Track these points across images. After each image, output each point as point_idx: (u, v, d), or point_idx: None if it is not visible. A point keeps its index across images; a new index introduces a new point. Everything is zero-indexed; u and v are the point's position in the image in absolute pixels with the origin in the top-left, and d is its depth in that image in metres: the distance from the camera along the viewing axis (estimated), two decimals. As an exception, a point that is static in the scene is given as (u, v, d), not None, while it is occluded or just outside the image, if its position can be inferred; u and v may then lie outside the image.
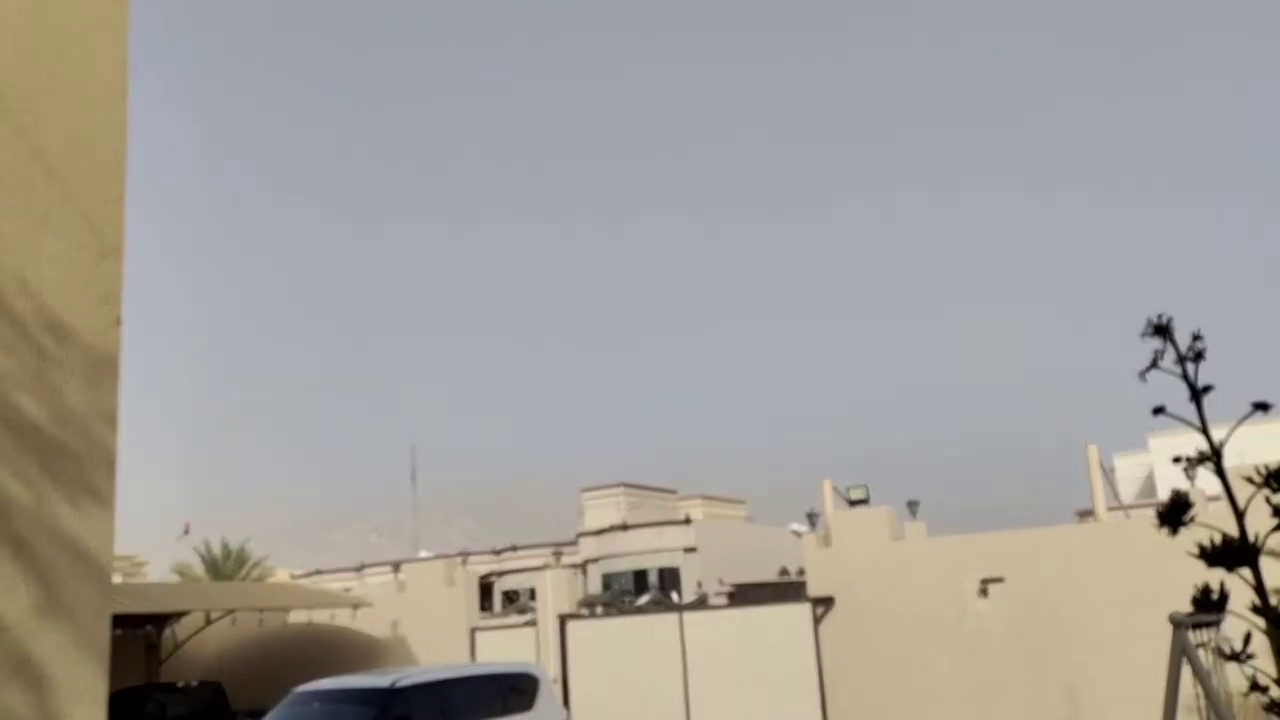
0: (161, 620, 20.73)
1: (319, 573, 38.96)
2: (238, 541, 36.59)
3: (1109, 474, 17.48)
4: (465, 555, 35.37)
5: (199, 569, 36.25)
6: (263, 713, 12.80)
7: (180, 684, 19.04)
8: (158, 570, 34.31)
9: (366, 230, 72.52)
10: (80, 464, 3.11)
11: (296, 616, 21.91)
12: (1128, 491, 30.69)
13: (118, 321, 3.38)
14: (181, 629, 21.30)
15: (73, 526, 3.02)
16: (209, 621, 21.13)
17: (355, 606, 20.52)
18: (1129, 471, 33.50)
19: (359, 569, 39.49)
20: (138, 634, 20.80)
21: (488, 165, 72.23)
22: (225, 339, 71.07)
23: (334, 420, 72.69)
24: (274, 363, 71.62)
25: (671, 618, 17.32)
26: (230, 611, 21.37)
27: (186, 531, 34.53)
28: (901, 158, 68.24)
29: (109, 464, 3.21)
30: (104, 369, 3.29)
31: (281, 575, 36.36)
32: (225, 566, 35.63)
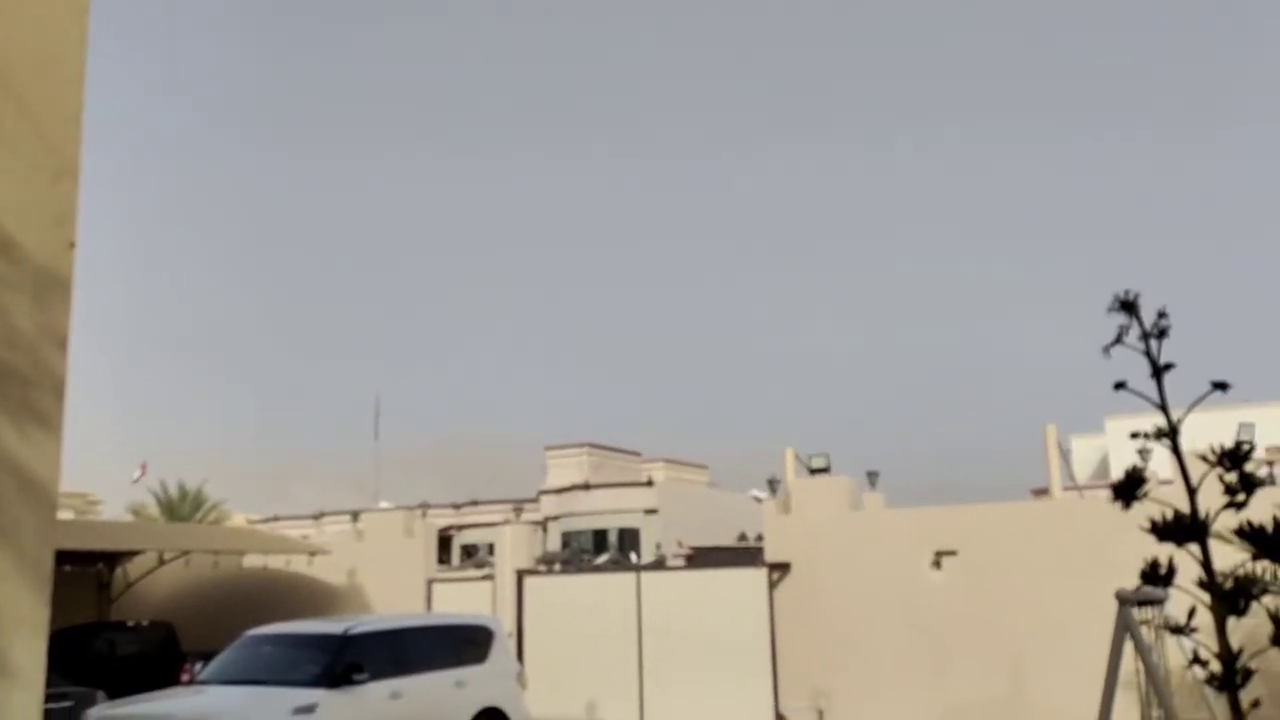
0: (114, 558, 20.59)
1: (277, 519, 38.82)
2: (195, 484, 36.37)
3: (1065, 454, 17.72)
4: (425, 507, 35.34)
5: (155, 510, 36.01)
6: (214, 654, 12.77)
7: (131, 623, 18.94)
8: (113, 510, 34.02)
9: (335, 169, 71.43)
10: (27, 387, 3.03)
11: (252, 561, 21.84)
12: (1083, 473, 31.19)
13: (72, 245, 3.29)
14: (134, 568, 21.16)
15: (17, 450, 2.95)
16: (162, 562, 21.01)
17: (312, 553, 20.47)
18: (1084, 454, 34.05)
19: (317, 517, 39.39)
20: (89, 571, 20.65)
21: (470, 96, 71.25)
22: (194, 284, 70.03)
23: (300, 370, 72.08)
24: (240, 308, 70.65)
25: (629, 577, 17.42)
26: (185, 553, 21.26)
27: (143, 473, 34.22)
28: (881, 113, 68.09)
29: (57, 389, 3.14)
30: (55, 292, 3.21)
31: (238, 520, 36.18)
32: (181, 509, 35.43)
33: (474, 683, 12.70)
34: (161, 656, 18.17)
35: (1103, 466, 33.52)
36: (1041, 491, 19.35)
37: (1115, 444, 31.89)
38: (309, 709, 10.54)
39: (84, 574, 20.48)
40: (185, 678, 15.84)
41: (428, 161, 72.36)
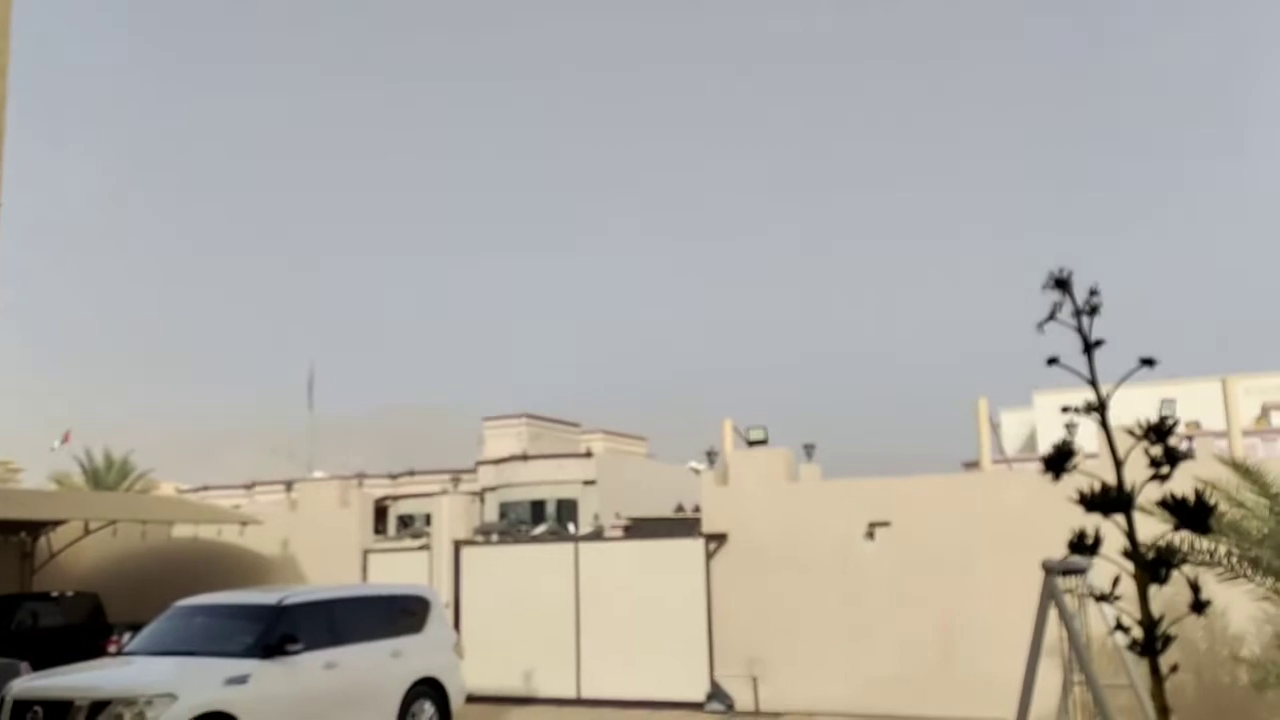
0: (37, 528, 20.06)
1: (207, 489, 38.15)
2: (121, 453, 35.52)
3: (995, 428, 18.13)
4: (361, 477, 35.00)
5: (80, 479, 35.13)
6: (142, 626, 12.54)
7: (54, 594, 18.50)
8: (34, 478, 33.12)
9: (269, 135, 69.73)
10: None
11: (181, 531, 21.44)
12: (1012, 446, 31.97)
13: (-6, 202, 3.16)
14: (58, 538, 20.64)
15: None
16: (88, 532, 20.52)
17: (244, 523, 20.17)
18: (1013, 428, 34.89)
19: (249, 487, 38.78)
20: (10, 541, 20.10)
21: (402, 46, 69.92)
22: (122, 250, 67.99)
23: (232, 334, 70.56)
24: (169, 270, 68.82)
25: (567, 547, 17.47)
26: (111, 522, 20.78)
27: (66, 440, 33.33)
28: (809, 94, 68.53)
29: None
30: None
31: (167, 489, 35.47)
32: (107, 478, 34.61)
33: (410, 653, 12.65)
34: (87, 628, 17.79)
35: (1031, 440, 34.40)
36: (973, 464, 19.77)
37: (1043, 418, 32.73)
38: (241, 680, 10.41)
39: (5, 544, 19.93)
40: (112, 649, 15.53)
41: (363, 128, 70.99)
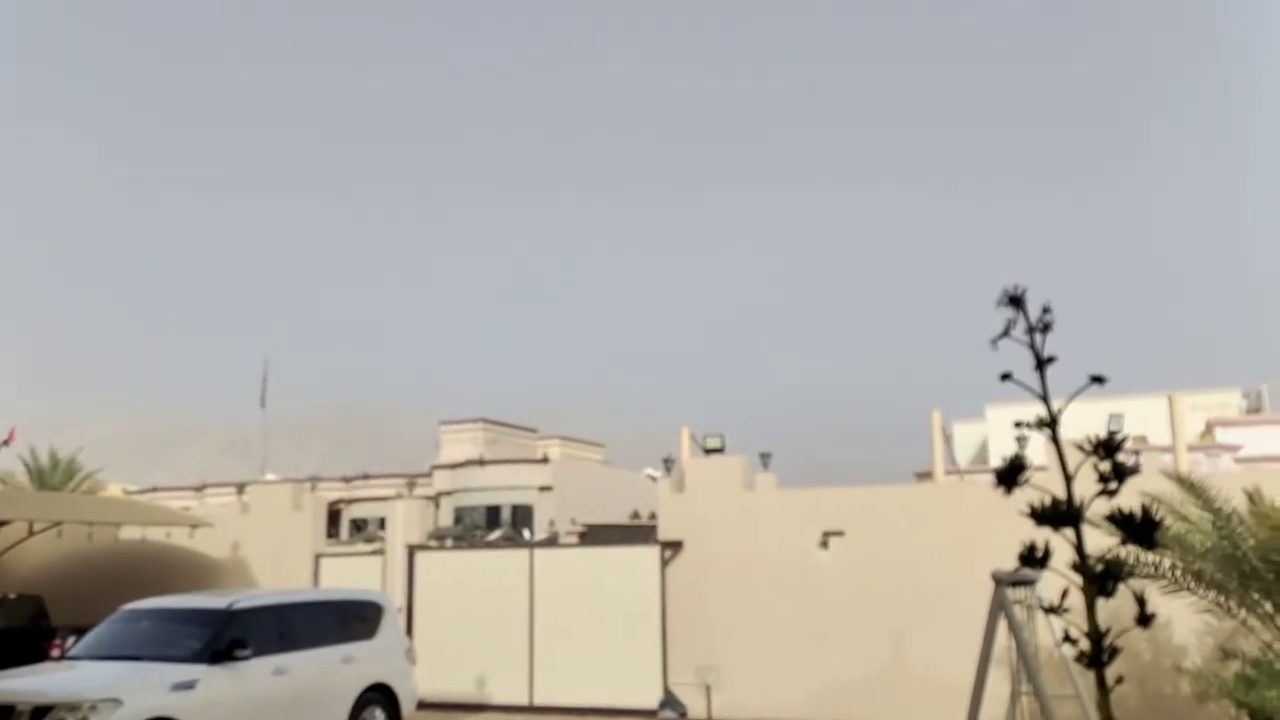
0: (-22, 529, 19.56)
1: (156, 490, 37.52)
2: (68, 452, 34.79)
3: (949, 439, 18.37)
4: (314, 480, 34.63)
5: (24, 479, 34.36)
6: (87, 630, 12.29)
7: (-3, 596, 18.06)
8: (-24, 478, 32.32)
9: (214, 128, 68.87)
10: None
11: (130, 534, 21.06)
12: (964, 457, 32.38)
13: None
14: (0, 539, 20.15)
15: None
16: (32, 533, 20.06)
17: (193, 526, 19.85)
18: (966, 439, 35.36)
19: (200, 488, 38.18)
20: (-49, 542, 19.59)
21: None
22: (65, 231, 66.67)
23: (183, 330, 69.46)
24: (117, 260, 67.65)
25: (522, 554, 17.41)
26: (56, 524, 20.35)
27: (9, 439, 32.55)
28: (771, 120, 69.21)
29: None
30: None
31: (114, 490, 34.79)
32: (53, 478, 33.86)
33: (362, 659, 12.53)
34: (30, 631, 17.38)
35: (983, 451, 34.88)
36: (926, 475, 19.99)
37: (996, 430, 33.22)
38: (188, 685, 10.24)
39: (-56, 545, 19.43)
40: (55, 653, 15.19)
41: (321, 123, 70.37)
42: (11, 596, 18.19)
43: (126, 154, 67.55)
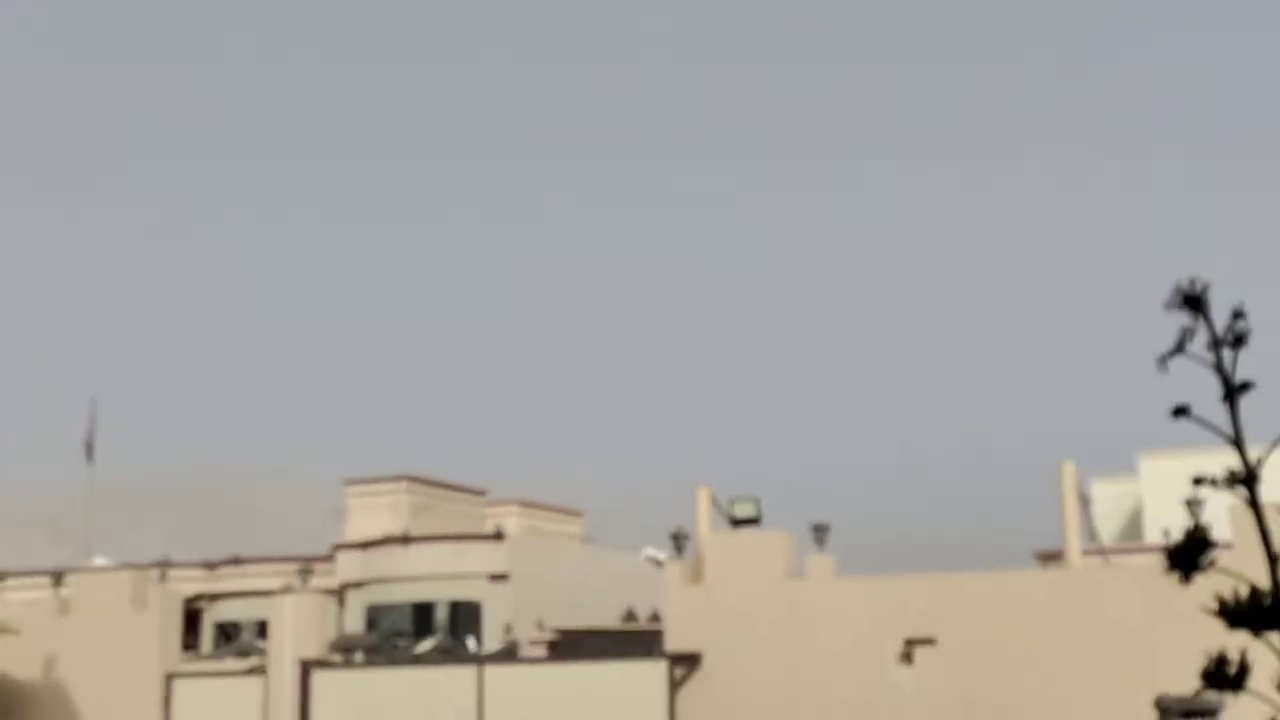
0: None
1: (-67, 581, 37.35)
2: None
3: (1086, 504, 18.34)
4: (164, 567, 34.44)
5: None
6: None
7: None
8: None
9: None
10: None
11: (-104, 644, 20.94)
12: (1108, 530, 32.31)
13: None
14: None
15: None
16: None
17: (-10, 633, 19.76)
18: (1109, 504, 35.20)
19: (-2, 579, 38.03)
20: None
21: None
22: None
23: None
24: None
25: (467, 673, 17.40)
26: None
27: None
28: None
29: None
30: None
31: (-126, 582, 34.71)
32: None
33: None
34: None
35: (1134, 521, 34.75)
36: (1053, 555, 19.91)
37: (1154, 490, 33.03)
38: None
39: None
40: None
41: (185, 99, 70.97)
42: None
43: None
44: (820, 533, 16.87)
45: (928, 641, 15.08)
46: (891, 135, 70.84)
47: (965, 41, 72.02)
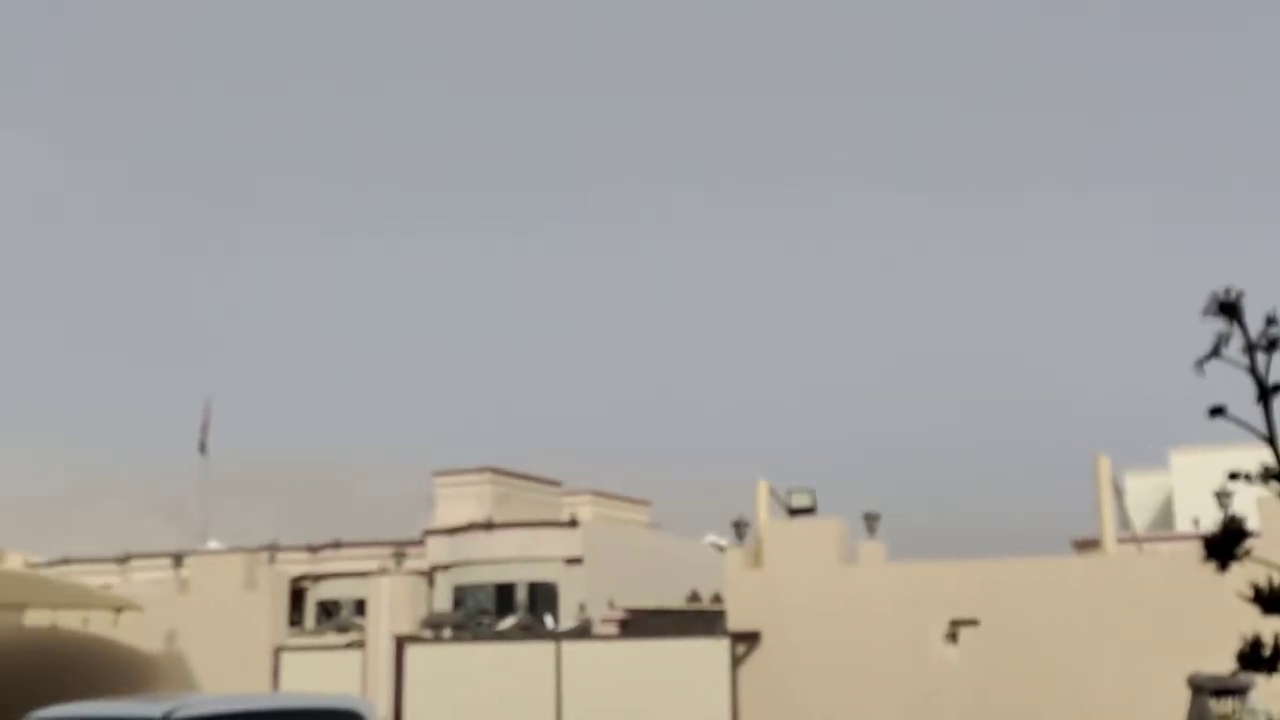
0: None
1: (67, 561, 38.05)
2: (-45, 513, 35.46)
3: (1120, 496, 18.12)
4: (272, 550, 34.89)
5: (-102, 547, 35.07)
6: (-17, 744, 12.48)
7: None
8: None
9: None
10: None
11: (36, 617, 21.37)
12: (1140, 519, 31.86)
13: None
14: None
15: None
16: (-89, 618, 20.48)
17: (118, 610, 20.12)
18: (1142, 495, 34.74)
19: (123, 560, 38.68)
20: None
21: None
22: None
23: (94, 357, 70.62)
24: (11, 270, 69.06)
25: (545, 648, 17.43)
26: (-57, 606, 20.73)
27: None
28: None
29: None
30: None
31: (14, 561, 35.39)
32: (-64, 546, 34.51)
33: (338, 786, 12.56)
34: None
35: (1166, 511, 34.27)
36: (1089, 544, 19.71)
37: (1185, 483, 32.58)
38: (114, 819, 10.34)
39: None
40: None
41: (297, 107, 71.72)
42: (-117, 701, 18.54)
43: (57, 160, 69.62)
44: (871, 521, 16.81)
45: (971, 623, 15.00)
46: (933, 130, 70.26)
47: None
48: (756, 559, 16.52)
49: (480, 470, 38.31)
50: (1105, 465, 15.78)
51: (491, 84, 73.12)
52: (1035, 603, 14.88)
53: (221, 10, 72.46)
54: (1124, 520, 18.69)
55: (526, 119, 72.34)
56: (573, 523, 36.11)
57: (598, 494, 41.80)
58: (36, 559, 37.11)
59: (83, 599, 21.14)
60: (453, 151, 72.53)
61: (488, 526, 35.64)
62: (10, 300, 69.83)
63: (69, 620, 20.93)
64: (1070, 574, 15.21)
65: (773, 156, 71.45)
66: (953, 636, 15.13)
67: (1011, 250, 69.06)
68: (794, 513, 16.99)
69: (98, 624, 20.64)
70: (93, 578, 32.63)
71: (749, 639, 16.11)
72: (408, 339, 73.14)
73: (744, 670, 16.00)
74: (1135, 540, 20.88)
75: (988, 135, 69.32)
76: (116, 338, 72.10)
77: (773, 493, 17.48)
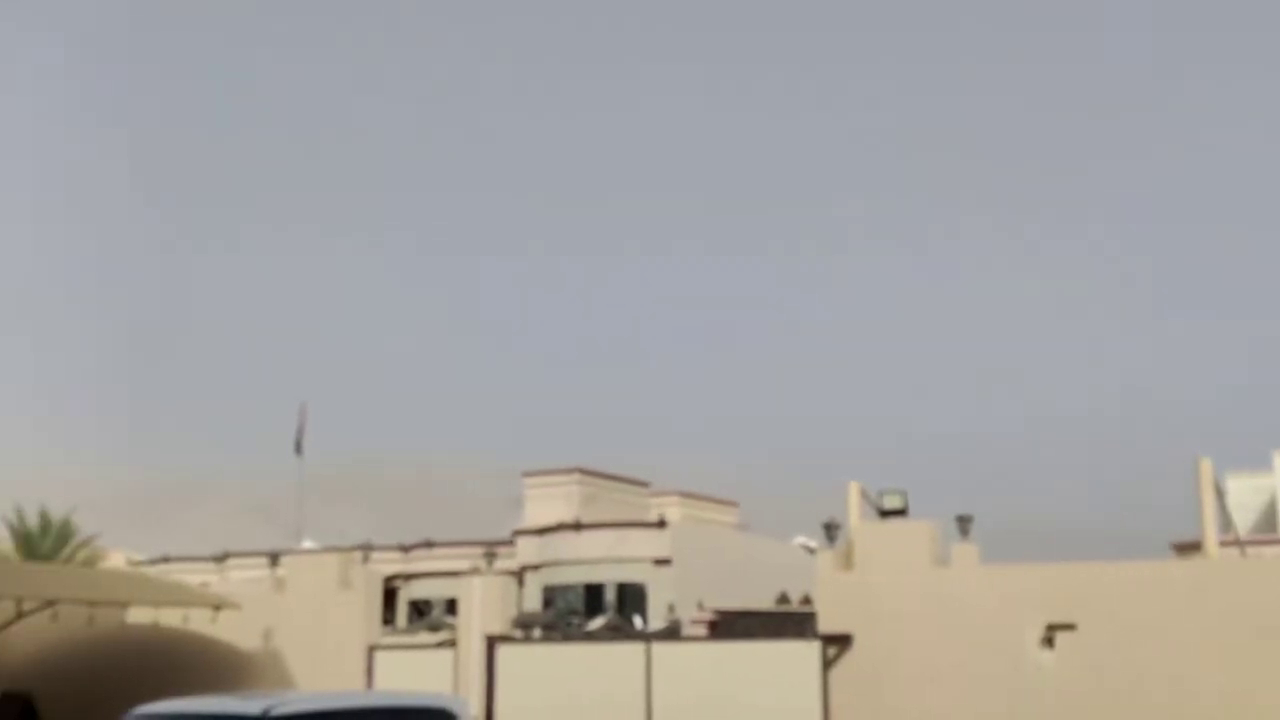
0: (-45, 609, 20.59)
1: (168, 560, 38.92)
2: (60, 512, 36.35)
3: (1221, 497, 17.71)
4: (365, 549, 35.36)
5: (7, 544, 36.01)
6: (89, 739, 12.78)
7: (-24, 694, 18.97)
8: (-51, 544, 34.06)
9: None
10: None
11: (138, 615, 21.85)
12: (1243, 521, 31.04)
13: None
14: (-18, 622, 21.17)
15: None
16: (20, 614, 20.99)
17: (217, 608, 20.47)
18: (1242, 496, 33.84)
19: (221, 559, 39.47)
20: (-78, 625, 20.67)
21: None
22: (55, 235, 70.22)
23: (194, 360, 72.14)
24: (114, 279, 70.86)
25: (635, 649, 17.44)
26: (50, 603, 21.22)
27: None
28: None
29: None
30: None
31: (117, 559, 36.24)
32: (43, 544, 35.38)
33: (432, 784, 12.66)
34: (16, 739, 18.20)
35: (1268, 514, 33.34)
36: (1190, 546, 19.33)
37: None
38: (215, 814, 10.50)
39: (-86, 628, 20.50)
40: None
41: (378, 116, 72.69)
42: (-5, 694, 19.07)
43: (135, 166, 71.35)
44: (964, 523, 16.58)
45: (1068, 627, 14.78)
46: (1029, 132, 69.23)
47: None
48: (848, 561, 16.41)
49: (568, 470, 38.48)
50: (1207, 467, 15.45)
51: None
52: (1134, 607, 14.60)
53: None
54: (1226, 523, 18.25)
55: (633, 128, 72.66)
56: (661, 523, 36.09)
57: (685, 494, 41.75)
58: (138, 557, 38.00)
59: (183, 597, 21.56)
60: (548, 167, 73.14)
61: (576, 527, 35.79)
62: (111, 303, 71.69)
63: (170, 618, 21.35)
64: (1171, 578, 14.91)
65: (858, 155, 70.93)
66: (1049, 641, 14.90)
67: (1105, 248, 67.85)
68: (885, 514, 16.84)
69: (197, 622, 21.02)
70: (191, 576, 33.35)
71: (840, 641, 16.01)
72: (498, 340, 73.77)
73: (835, 673, 15.90)
74: (1238, 543, 20.40)
75: (1075, 139, 68.24)
76: (216, 341, 73.61)
77: (864, 494, 17.34)
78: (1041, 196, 68.87)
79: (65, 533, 36.08)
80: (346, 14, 74.47)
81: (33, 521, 35.98)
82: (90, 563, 34.48)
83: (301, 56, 74.08)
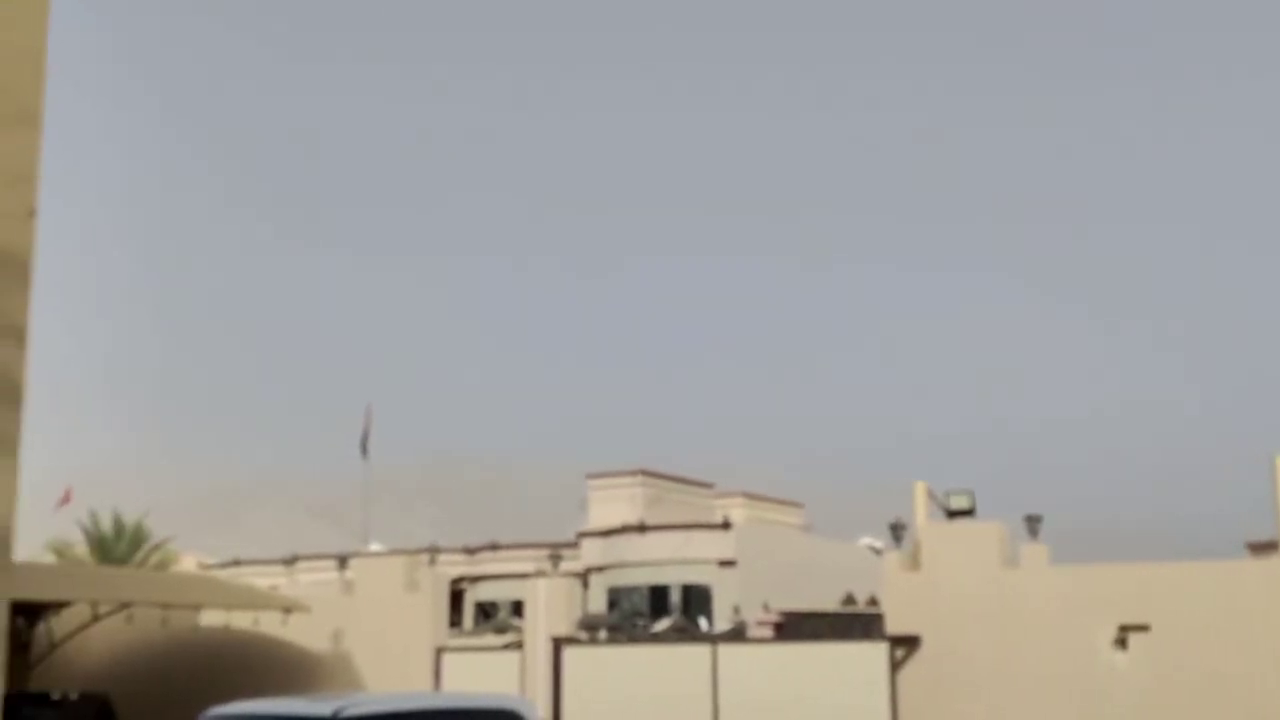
0: (35, 611, 20.97)
1: (238, 563, 39.41)
2: (134, 515, 36.97)
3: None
4: (432, 552, 35.65)
5: (82, 549, 36.66)
6: (165, 739, 13.00)
7: (56, 694, 19.32)
8: (28, 548, 34.72)
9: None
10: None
11: (210, 618, 22.20)
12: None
13: (33, 212, 3.34)
14: (60, 624, 21.60)
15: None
16: (97, 617, 21.42)
17: (287, 610, 20.76)
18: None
19: (290, 561, 39.89)
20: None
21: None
22: (121, 241, 71.51)
23: (262, 364, 73.12)
24: (184, 280, 71.94)
25: (701, 651, 17.44)
26: (125, 606, 21.64)
27: (67, 500, 34.91)
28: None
29: (14, 394, 3.19)
30: (12, 271, 3.27)
31: (189, 563, 36.79)
32: (117, 548, 36.01)
33: (500, 785, 12.75)
34: (94, 738, 18.54)
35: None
36: (1266, 546, 19.03)
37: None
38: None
39: (-4, 631, 20.90)
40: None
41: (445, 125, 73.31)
42: (72, 696, 19.42)
43: (211, 177, 72.70)
44: (1033, 523, 16.42)
45: (1141, 628, 14.60)
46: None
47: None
48: (915, 562, 16.32)
49: (632, 472, 38.46)
50: (1282, 465, 15.20)
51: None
52: (1209, 607, 14.41)
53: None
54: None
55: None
56: (726, 525, 35.98)
57: (749, 496, 41.60)
58: (209, 561, 38.55)
59: (254, 600, 21.87)
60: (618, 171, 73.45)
61: (641, 529, 35.77)
62: (183, 306, 72.87)
63: (241, 620, 21.69)
64: (1246, 577, 14.69)
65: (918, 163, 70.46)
66: (1122, 642, 14.74)
67: (1178, 242, 66.87)
68: (952, 515, 16.72)
69: (267, 624, 21.34)
70: (261, 579, 33.76)
71: (908, 643, 15.92)
72: (561, 343, 74.05)
73: (903, 674, 15.82)
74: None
75: (1144, 139, 67.47)
76: (284, 343, 74.58)
77: (930, 495, 17.23)
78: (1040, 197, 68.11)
79: (139, 537, 36.70)
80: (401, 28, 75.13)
81: (107, 526, 36.66)
82: (163, 566, 35.09)
83: (375, 72, 75.01)
